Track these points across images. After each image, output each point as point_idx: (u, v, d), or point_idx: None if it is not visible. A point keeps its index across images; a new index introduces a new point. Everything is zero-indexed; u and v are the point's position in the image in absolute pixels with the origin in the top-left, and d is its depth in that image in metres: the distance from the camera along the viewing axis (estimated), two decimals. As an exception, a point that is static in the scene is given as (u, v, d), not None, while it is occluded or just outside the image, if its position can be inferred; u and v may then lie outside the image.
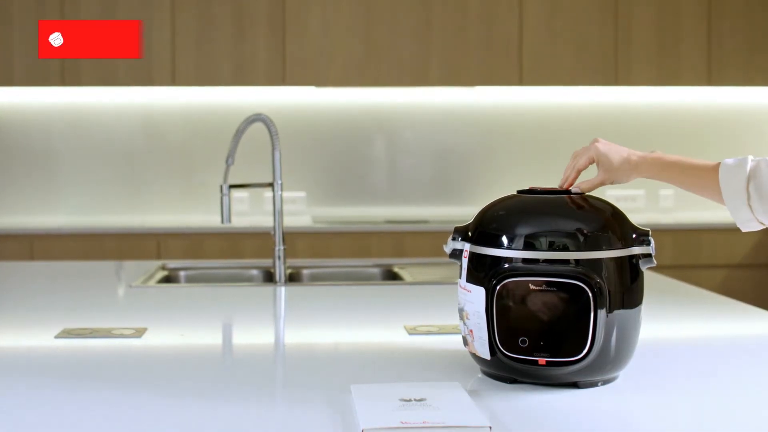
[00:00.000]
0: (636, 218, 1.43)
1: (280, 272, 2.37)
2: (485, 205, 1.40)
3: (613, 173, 1.41)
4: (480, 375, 1.37)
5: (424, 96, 4.39)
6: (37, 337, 1.73)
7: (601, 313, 1.26)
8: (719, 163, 1.36)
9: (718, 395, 1.31)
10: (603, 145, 1.42)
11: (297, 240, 3.80)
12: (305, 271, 2.63)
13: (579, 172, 1.43)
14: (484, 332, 1.30)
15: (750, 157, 1.34)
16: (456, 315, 1.38)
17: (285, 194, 4.08)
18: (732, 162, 1.34)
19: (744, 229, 1.37)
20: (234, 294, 2.24)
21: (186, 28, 4.08)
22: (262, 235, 3.56)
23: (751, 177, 1.32)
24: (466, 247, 1.34)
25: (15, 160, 4.29)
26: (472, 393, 1.26)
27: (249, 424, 1.17)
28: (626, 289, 1.30)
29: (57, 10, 4.06)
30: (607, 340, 1.28)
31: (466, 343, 1.36)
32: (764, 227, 1.37)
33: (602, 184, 1.43)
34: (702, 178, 1.36)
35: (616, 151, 1.42)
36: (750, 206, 1.32)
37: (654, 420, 1.19)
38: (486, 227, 1.34)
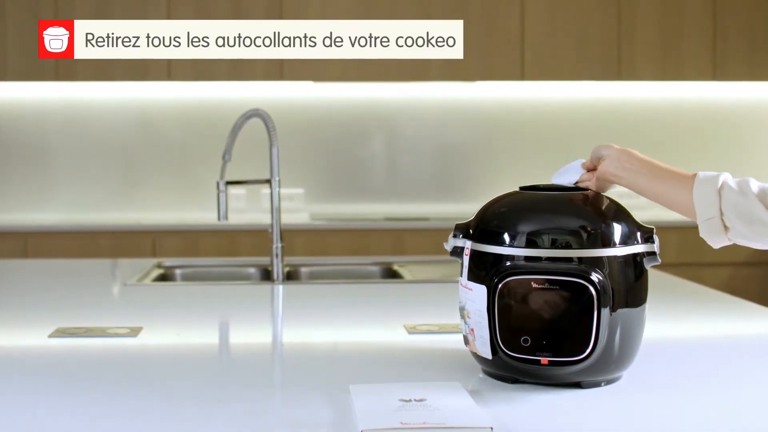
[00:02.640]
0: (640, 215, 1.42)
1: (277, 270, 2.35)
2: (487, 202, 1.39)
3: (605, 159, 1.37)
4: (481, 375, 1.36)
5: (425, 91, 4.37)
6: (30, 337, 1.72)
7: (605, 312, 1.25)
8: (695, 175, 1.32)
9: (723, 395, 1.29)
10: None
11: (295, 237, 3.78)
12: (303, 269, 2.62)
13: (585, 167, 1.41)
14: (486, 331, 1.29)
15: (725, 174, 1.31)
16: (457, 314, 1.37)
17: (283, 191, 4.03)
18: (707, 175, 1.31)
19: (712, 243, 1.30)
20: (231, 292, 2.23)
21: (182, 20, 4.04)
22: (259, 232, 3.55)
23: (725, 183, 1.28)
24: (468, 245, 1.33)
25: (8, 156, 4.27)
26: (473, 393, 1.25)
27: (246, 425, 1.16)
28: (630, 287, 1.29)
29: (51, 3, 4.03)
30: (610, 340, 1.26)
31: (467, 342, 1.35)
32: (730, 243, 1.30)
33: (595, 172, 1.38)
34: (677, 179, 1.32)
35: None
36: (721, 211, 1.27)
37: (658, 420, 1.18)
38: (487, 224, 1.33)
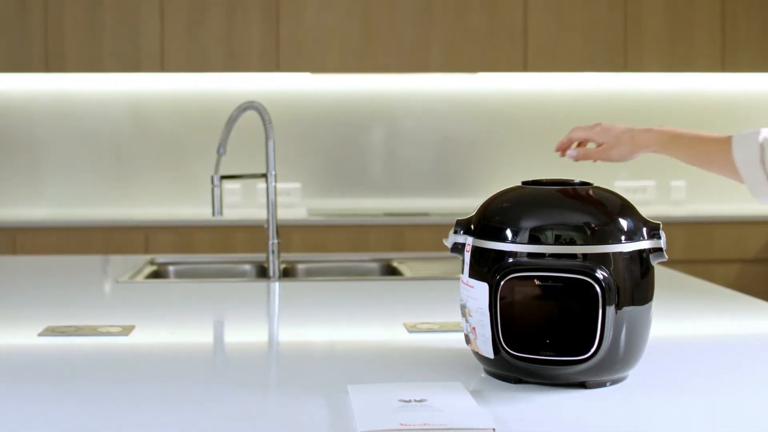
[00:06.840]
0: (646, 211, 1.41)
1: (274, 267, 2.34)
2: (488, 197, 1.37)
3: (614, 142, 1.39)
4: (483, 374, 1.35)
5: (425, 82, 4.35)
6: (19, 335, 1.71)
7: (610, 309, 1.23)
8: (731, 135, 1.36)
9: (731, 394, 1.28)
10: (606, 123, 1.41)
11: (292, 233, 3.76)
12: (300, 266, 2.61)
13: (573, 141, 1.42)
14: (488, 330, 1.28)
15: (764, 128, 1.33)
16: (458, 312, 1.36)
17: (279, 185, 4.03)
18: (745, 132, 1.33)
19: (756, 195, 1.33)
20: (226, 290, 2.22)
21: (175, 11, 4.02)
22: (255, 228, 3.53)
23: (766, 140, 1.29)
24: (469, 241, 1.32)
25: (-3, 150, 4.24)
26: (475, 393, 1.24)
27: (241, 426, 1.15)
28: (636, 284, 1.27)
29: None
30: (615, 338, 1.25)
31: (468, 341, 1.34)
32: None
33: (600, 155, 1.39)
34: (713, 145, 1.35)
35: (618, 126, 1.40)
36: (763, 163, 1.28)
37: (665, 421, 1.17)
38: (489, 220, 1.32)
